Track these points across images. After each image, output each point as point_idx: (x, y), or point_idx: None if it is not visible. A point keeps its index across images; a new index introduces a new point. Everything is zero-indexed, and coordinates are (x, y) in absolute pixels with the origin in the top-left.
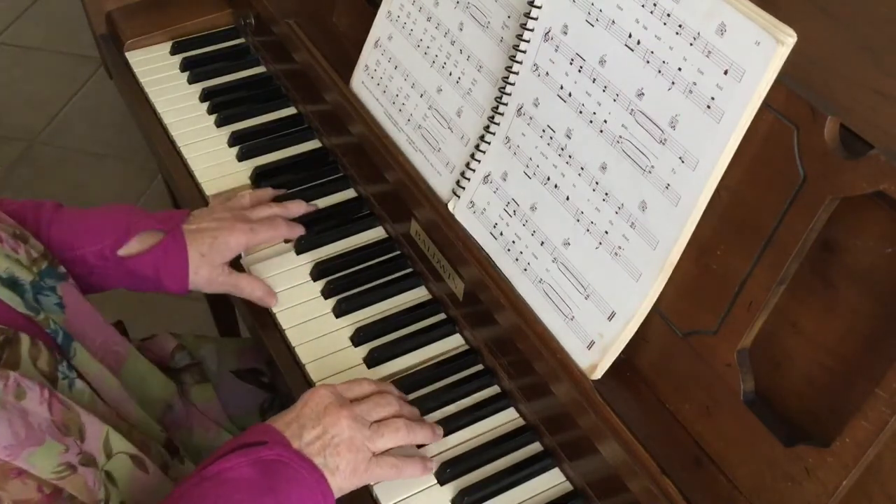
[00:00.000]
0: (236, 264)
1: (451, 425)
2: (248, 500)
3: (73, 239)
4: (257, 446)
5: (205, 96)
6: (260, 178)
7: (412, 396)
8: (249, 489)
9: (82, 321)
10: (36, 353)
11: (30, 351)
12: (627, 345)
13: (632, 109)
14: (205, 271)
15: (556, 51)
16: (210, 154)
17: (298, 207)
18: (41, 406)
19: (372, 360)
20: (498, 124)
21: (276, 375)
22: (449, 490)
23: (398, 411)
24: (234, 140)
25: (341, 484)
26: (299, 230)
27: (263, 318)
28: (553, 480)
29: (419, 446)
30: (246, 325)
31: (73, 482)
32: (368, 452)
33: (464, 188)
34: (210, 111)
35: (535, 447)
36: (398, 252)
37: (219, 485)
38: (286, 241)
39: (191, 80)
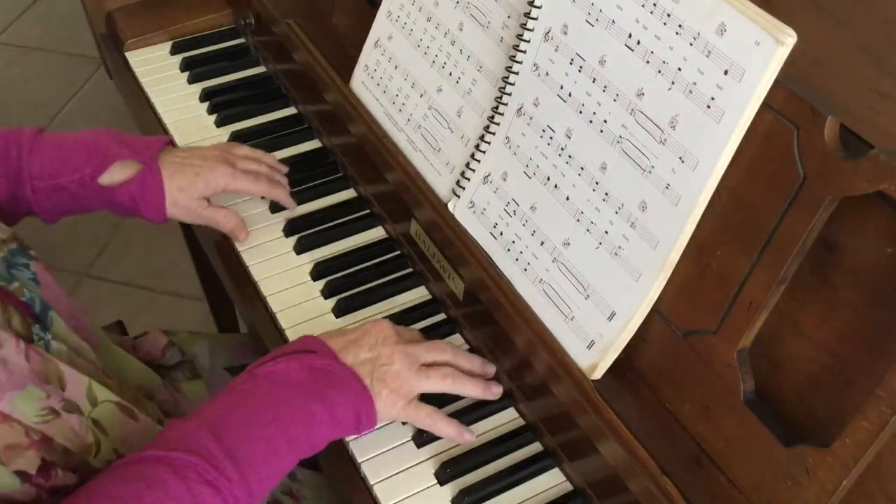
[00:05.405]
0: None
1: None
2: (295, 399)
3: (53, 168)
4: (308, 353)
5: (205, 96)
6: None
7: None
8: (298, 390)
9: (55, 301)
10: (8, 316)
11: (2, 313)
12: (627, 345)
13: (632, 109)
14: (183, 202)
15: (556, 51)
16: None
17: (283, 171)
18: (18, 355)
19: None
20: (498, 124)
21: None
22: (449, 490)
23: (451, 360)
24: (234, 140)
25: (377, 411)
26: (280, 193)
27: (263, 317)
28: (553, 480)
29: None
30: (245, 324)
31: (58, 427)
32: (411, 392)
33: (464, 188)
34: (210, 111)
35: (535, 447)
36: (398, 252)
37: (269, 383)
38: (285, 208)
39: (191, 80)
